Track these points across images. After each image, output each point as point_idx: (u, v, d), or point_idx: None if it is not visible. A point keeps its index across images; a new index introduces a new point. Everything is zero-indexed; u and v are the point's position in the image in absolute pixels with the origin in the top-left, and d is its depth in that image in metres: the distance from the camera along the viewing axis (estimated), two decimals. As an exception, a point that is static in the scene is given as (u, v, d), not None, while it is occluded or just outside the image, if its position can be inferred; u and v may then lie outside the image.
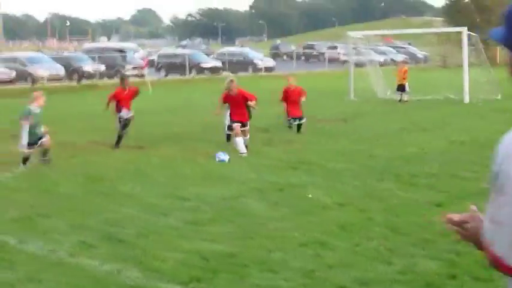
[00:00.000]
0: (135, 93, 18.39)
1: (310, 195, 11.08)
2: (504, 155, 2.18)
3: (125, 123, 17.89)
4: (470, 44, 31.18)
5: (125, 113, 17.92)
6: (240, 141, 15.89)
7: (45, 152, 14.89)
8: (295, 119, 19.63)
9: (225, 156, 15.06)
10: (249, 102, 16.33)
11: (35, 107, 14.80)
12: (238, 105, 16.33)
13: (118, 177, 13.23)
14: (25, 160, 14.55)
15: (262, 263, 7.64)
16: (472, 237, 2.51)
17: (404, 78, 29.95)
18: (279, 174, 13.04)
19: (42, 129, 14.92)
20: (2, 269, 7.69)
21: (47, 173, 13.91)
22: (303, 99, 19.88)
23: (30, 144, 14.55)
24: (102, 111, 18.17)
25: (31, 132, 14.53)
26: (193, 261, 7.77)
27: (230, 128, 16.83)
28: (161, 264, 7.66)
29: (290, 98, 19.81)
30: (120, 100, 18.02)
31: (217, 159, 14.95)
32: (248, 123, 16.51)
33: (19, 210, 10.51)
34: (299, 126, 19.53)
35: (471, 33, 31.43)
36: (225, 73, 51.73)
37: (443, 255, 7.76)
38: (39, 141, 14.70)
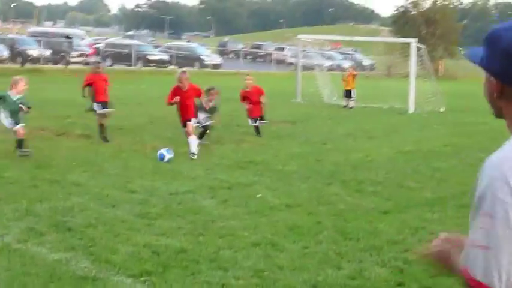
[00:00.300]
0: (106, 81, 18.06)
1: (259, 195, 11.16)
2: (492, 177, 2.20)
3: (100, 124, 17.12)
4: (417, 55, 31.69)
5: (97, 106, 17.25)
6: (193, 141, 15.08)
7: (20, 144, 14.11)
8: (255, 119, 19.08)
9: (168, 155, 14.14)
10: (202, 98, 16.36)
11: (13, 94, 14.17)
12: (189, 100, 15.73)
13: (66, 165, 13.12)
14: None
15: (212, 260, 7.68)
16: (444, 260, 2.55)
17: (349, 83, 30.29)
18: (228, 173, 13.08)
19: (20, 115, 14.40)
20: None
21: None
22: (263, 99, 19.42)
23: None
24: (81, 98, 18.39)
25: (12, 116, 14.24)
26: (144, 254, 7.77)
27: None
28: (111, 256, 7.64)
29: (250, 98, 19.22)
30: (93, 83, 17.58)
31: (159, 157, 14.11)
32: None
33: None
34: (257, 128, 18.95)
35: (419, 44, 31.95)
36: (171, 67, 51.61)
37: (391, 262, 7.91)
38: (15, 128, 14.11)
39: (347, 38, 37.05)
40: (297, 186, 12.08)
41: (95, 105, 17.36)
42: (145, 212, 9.73)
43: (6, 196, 10.33)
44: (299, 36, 33.76)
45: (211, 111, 17.30)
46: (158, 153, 14.26)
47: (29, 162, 13.27)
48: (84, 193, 10.79)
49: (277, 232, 8.99)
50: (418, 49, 31.40)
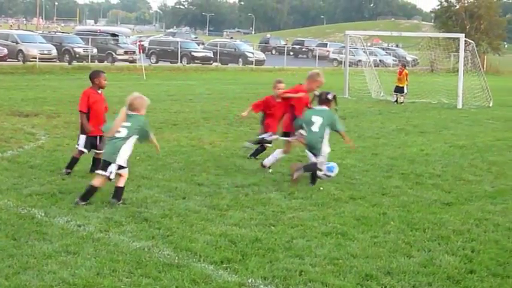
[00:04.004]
0: None
1: (321, 188, 11.45)
2: None
3: None
4: (464, 50, 31.69)
5: None
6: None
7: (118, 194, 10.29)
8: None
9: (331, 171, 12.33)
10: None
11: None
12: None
13: (130, 160, 13.45)
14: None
15: (288, 249, 8.00)
16: None
17: (401, 80, 30.47)
18: (288, 166, 13.35)
19: None
20: (36, 241, 7.95)
21: (57, 150, 14.17)
22: None
23: None
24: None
25: None
26: (222, 243, 8.10)
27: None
28: (191, 245, 7.98)
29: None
30: None
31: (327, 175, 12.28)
32: None
33: (40, 186, 10.79)
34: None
35: (468, 40, 31.95)
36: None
37: (459, 251, 8.17)
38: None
39: (395, 34, 37.01)
40: (358, 179, 12.37)
41: None
42: (215, 204, 10.07)
43: (78, 188, 10.71)
44: (347, 32, 33.90)
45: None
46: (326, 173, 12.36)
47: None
48: (153, 186, 11.16)
49: (345, 223, 9.29)
50: (466, 44, 31.39)
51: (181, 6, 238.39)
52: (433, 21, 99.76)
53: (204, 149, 15.33)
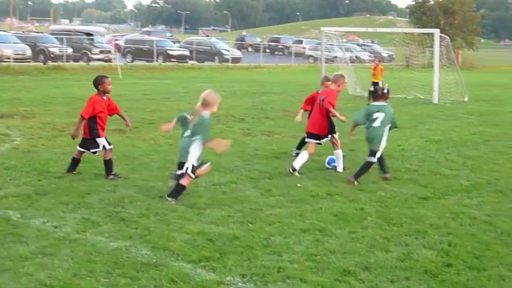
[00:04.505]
0: None
1: (299, 185, 11.47)
2: None
3: None
4: (438, 45, 31.84)
5: None
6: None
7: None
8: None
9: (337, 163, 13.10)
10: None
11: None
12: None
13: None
14: None
15: (266, 246, 8.01)
16: None
17: (377, 76, 30.58)
18: (265, 164, 13.40)
19: None
20: (12, 243, 7.90)
21: (32, 151, 14.07)
22: None
23: None
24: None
25: None
26: (199, 241, 8.09)
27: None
28: (169, 244, 7.97)
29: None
30: None
31: (329, 165, 13.25)
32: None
33: (16, 187, 10.72)
34: None
35: (443, 35, 32.11)
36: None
37: (436, 245, 8.23)
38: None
39: (370, 30, 36.93)
40: (336, 175, 12.45)
41: None
42: (193, 202, 10.05)
43: (54, 189, 10.67)
44: (322, 29, 33.91)
45: None
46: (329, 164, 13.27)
47: (70, 155, 13.57)
48: (130, 185, 11.12)
49: (323, 219, 9.32)
50: (441, 39, 31.55)
51: (157, 5, 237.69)
52: (408, 17, 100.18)
53: (181, 147, 15.27)
